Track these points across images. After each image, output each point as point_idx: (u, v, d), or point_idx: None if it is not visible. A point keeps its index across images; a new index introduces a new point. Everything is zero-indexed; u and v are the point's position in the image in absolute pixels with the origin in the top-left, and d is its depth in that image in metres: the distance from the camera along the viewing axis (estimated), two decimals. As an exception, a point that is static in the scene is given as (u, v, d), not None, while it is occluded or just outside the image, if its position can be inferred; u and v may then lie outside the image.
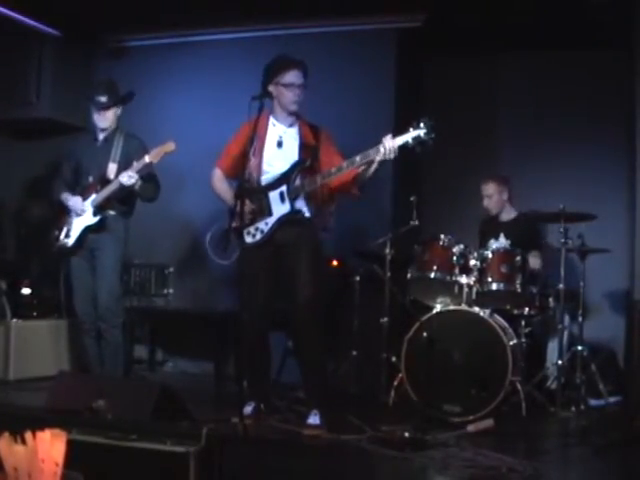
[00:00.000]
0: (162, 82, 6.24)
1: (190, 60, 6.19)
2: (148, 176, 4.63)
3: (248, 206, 3.96)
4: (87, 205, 4.63)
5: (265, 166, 4.06)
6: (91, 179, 4.69)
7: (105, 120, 4.70)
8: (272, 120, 4.10)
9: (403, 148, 3.76)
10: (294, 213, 3.98)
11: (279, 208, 3.98)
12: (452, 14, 5.44)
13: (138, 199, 4.77)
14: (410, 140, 3.73)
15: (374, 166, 3.78)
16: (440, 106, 5.92)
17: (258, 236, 4.00)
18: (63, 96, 6.10)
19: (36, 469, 1.87)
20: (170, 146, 4.51)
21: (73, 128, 5.93)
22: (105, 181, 4.62)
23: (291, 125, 4.11)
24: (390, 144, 3.71)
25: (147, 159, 4.50)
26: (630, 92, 5.30)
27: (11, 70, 6.02)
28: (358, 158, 3.78)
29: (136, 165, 4.50)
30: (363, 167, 3.84)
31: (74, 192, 4.73)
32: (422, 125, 3.72)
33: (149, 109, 6.10)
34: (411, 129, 3.74)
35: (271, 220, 3.99)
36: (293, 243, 3.97)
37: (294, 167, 4.00)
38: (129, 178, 4.48)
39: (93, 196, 4.63)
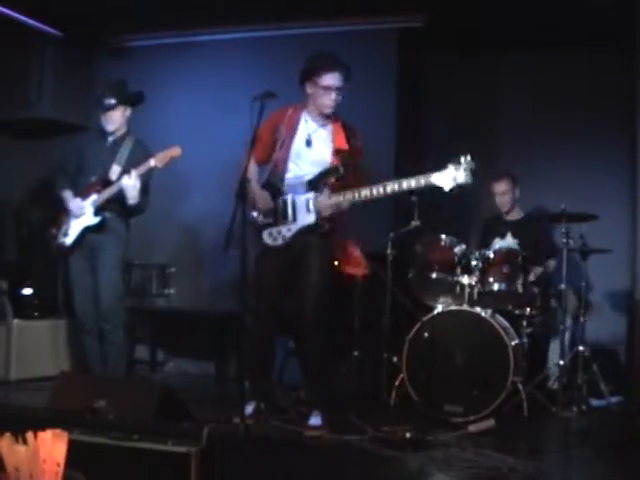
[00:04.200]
0: (163, 82, 6.23)
1: (192, 60, 6.19)
2: (145, 189, 4.54)
3: (267, 203, 3.92)
4: (87, 205, 4.59)
5: (291, 163, 3.98)
6: (93, 178, 4.63)
7: (111, 122, 4.61)
8: (305, 116, 3.99)
9: (437, 188, 3.61)
10: (319, 226, 3.91)
11: (304, 217, 3.91)
12: (452, 14, 5.44)
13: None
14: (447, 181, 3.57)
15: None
16: (440, 106, 5.92)
17: (280, 241, 3.95)
18: (64, 96, 6.10)
19: (38, 469, 1.87)
20: (176, 151, 4.42)
21: (75, 128, 5.94)
22: (107, 182, 4.56)
23: (323, 125, 4.00)
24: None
25: (152, 162, 4.41)
26: (630, 92, 5.31)
27: (12, 70, 6.02)
28: (397, 186, 3.68)
29: (141, 167, 4.42)
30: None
31: (75, 191, 4.67)
32: (463, 167, 3.54)
33: (149, 109, 6.08)
34: (450, 166, 3.57)
35: (294, 227, 3.93)
36: (307, 247, 3.94)
37: (325, 174, 3.90)
38: (128, 178, 4.40)
39: (94, 196, 4.57)
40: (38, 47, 6.02)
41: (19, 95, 6.04)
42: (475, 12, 5.36)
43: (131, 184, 4.42)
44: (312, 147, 3.97)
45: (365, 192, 3.77)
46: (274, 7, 5.54)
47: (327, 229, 3.93)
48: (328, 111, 3.95)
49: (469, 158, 3.56)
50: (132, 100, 4.69)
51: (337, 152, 3.94)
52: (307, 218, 3.91)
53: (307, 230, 3.92)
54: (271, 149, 3.93)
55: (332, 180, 3.89)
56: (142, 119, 4.87)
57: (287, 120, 3.89)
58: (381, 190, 3.73)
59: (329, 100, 3.90)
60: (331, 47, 5.68)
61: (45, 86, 6.02)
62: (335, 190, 3.87)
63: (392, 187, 3.71)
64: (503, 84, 6.17)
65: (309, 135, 3.97)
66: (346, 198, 3.81)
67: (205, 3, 5.53)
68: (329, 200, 3.85)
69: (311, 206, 3.89)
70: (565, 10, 5.18)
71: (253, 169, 4.08)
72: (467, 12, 5.37)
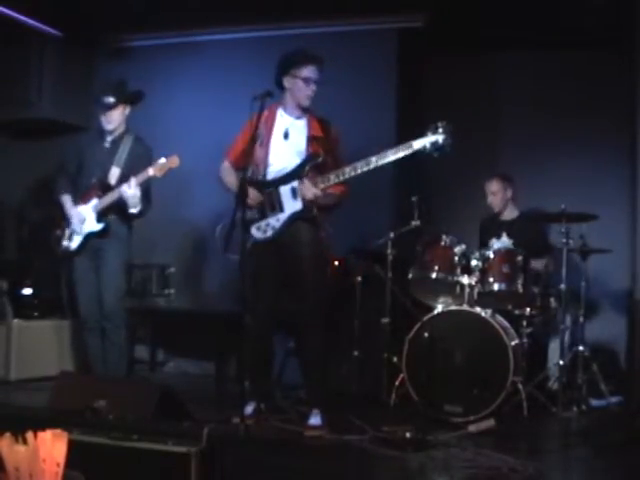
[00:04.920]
0: (164, 82, 6.23)
1: (192, 60, 6.18)
2: (146, 195, 4.54)
3: (256, 197, 3.93)
4: (88, 210, 4.57)
5: (271, 158, 4.02)
6: (94, 180, 4.60)
7: (111, 121, 4.59)
8: (280, 111, 4.06)
9: (420, 153, 3.70)
10: (306, 211, 3.94)
11: (291, 204, 3.94)
12: (452, 14, 5.44)
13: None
14: (428, 145, 3.68)
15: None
16: (441, 106, 5.91)
17: (269, 232, 3.97)
18: (64, 96, 6.09)
19: (37, 469, 1.87)
20: (174, 161, 4.44)
21: (74, 128, 5.94)
22: (107, 186, 4.54)
23: (299, 117, 4.06)
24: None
25: (151, 172, 4.42)
26: (630, 92, 5.31)
27: (12, 70, 6.02)
28: (379, 160, 3.73)
29: (139, 177, 4.41)
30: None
31: (76, 192, 4.65)
32: (440, 130, 3.67)
33: (149, 109, 6.09)
34: (429, 133, 3.69)
35: (283, 216, 3.95)
36: (298, 241, 3.96)
37: (306, 162, 3.94)
38: (128, 188, 4.39)
39: (95, 201, 4.56)
40: (38, 47, 6.01)
41: (19, 95, 6.04)
42: (475, 12, 5.36)
43: (131, 193, 4.42)
44: (289, 139, 4.02)
45: (349, 170, 3.80)
46: (274, 7, 5.54)
47: (315, 215, 3.95)
48: (307, 103, 4.02)
49: (445, 123, 3.67)
50: (131, 99, 4.69)
51: (312, 139, 4.00)
52: (294, 205, 3.93)
53: (296, 218, 3.94)
54: (247, 154, 3.96)
55: (313, 165, 3.93)
56: (142, 119, 4.87)
57: (264, 120, 3.92)
58: (364, 166, 3.76)
59: (309, 91, 3.98)
60: (331, 47, 5.73)
61: (45, 86, 6.02)
62: (318, 174, 3.91)
63: (375, 161, 3.74)
64: (503, 84, 6.17)
65: (286, 128, 4.03)
66: (331, 179, 3.86)
67: (205, 3, 5.53)
68: (314, 184, 3.87)
69: (297, 193, 3.92)
70: (565, 10, 5.17)
71: (231, 172, 4.14)
72: (467, 12, 5.37)
